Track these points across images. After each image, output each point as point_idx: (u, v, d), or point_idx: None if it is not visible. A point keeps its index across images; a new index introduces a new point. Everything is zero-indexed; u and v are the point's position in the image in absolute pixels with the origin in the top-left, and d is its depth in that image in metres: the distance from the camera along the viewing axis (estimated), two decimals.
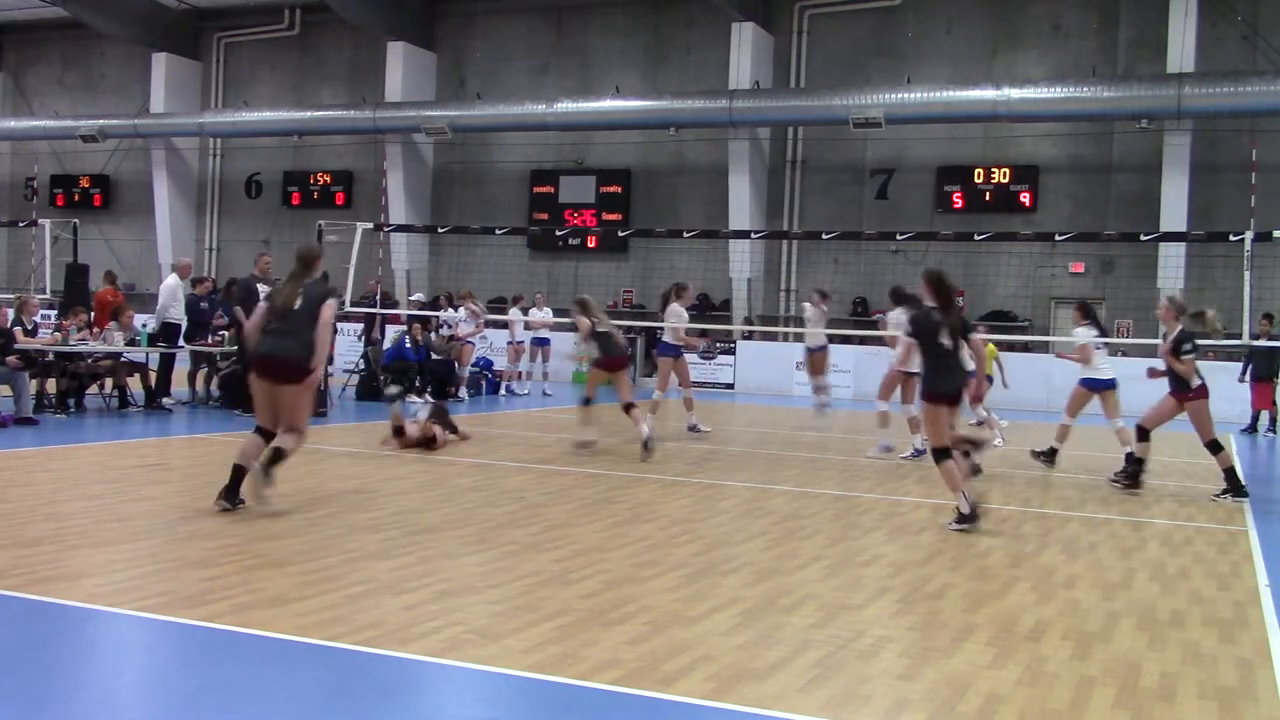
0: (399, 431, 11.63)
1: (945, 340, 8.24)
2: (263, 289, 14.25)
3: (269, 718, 4.02)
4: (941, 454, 8.20)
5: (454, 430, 12.29)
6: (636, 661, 4.71)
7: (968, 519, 8.06)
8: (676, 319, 13.77)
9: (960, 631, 5.43)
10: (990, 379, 14.92)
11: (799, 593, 6.06)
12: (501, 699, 4.39)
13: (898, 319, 12.37)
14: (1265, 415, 17.65)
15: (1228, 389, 19.13)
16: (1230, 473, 10.21)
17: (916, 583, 6.42)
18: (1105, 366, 11.78)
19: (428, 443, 11.62)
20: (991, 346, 14.91)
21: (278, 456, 7.72)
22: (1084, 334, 11.86)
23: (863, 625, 5.46)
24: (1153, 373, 10.69)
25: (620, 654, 4.81)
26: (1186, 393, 10.04)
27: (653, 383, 24.13)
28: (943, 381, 8.25)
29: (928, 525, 8.34)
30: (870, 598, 6.03)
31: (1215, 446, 10.03)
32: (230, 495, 7.67)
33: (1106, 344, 12.05)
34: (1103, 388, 11.68)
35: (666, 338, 13.96)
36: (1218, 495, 10.16)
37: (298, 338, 7.75)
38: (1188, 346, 9.97)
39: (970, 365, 8.92)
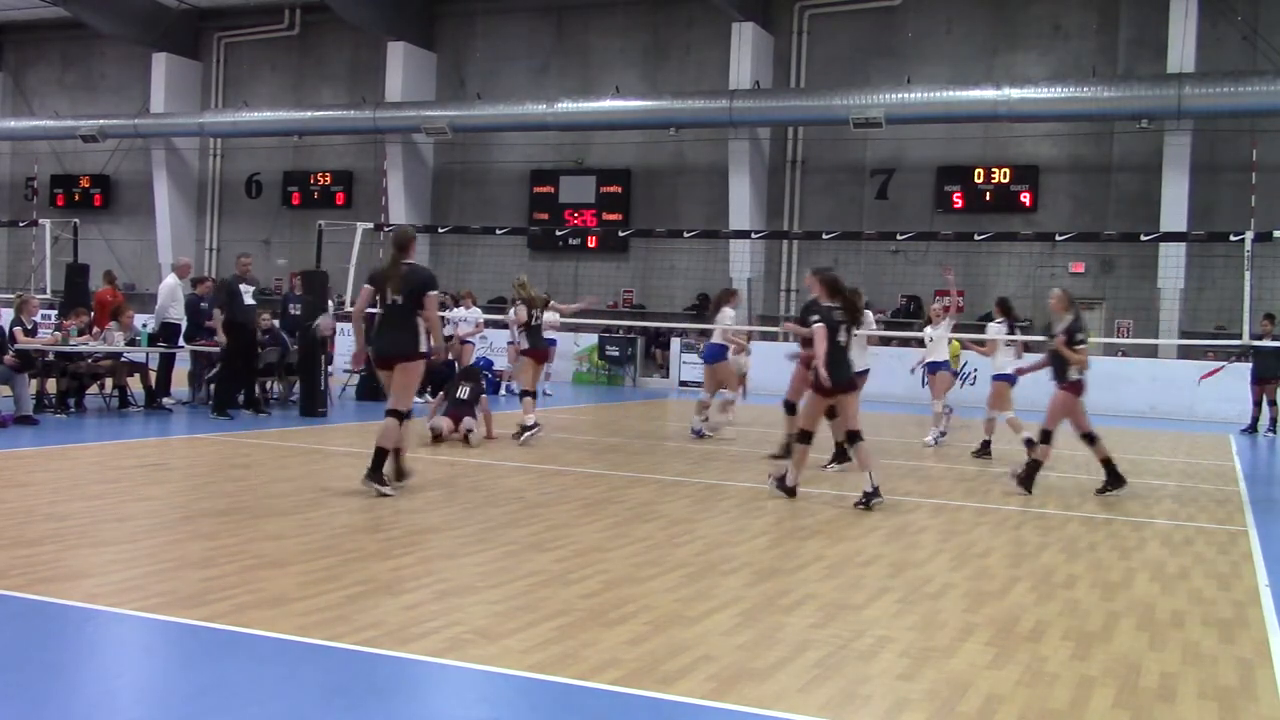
0: (437, 437, 12.22)
1: (842, 336, 9.16)
2: (244, 289, 14.18)
3: (269, 718, 4.02)
4: (805, 437, 9.23)
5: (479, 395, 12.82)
6: (636, 661, 4.71)
7: (874, 494, 8.89)
8: (729, 322, 13.99)
9: (960, 631, 5.43)
10: (956, 374, 15.13)
11: (799, 593, 6.06)
12: (501, 699, 4.39)
13: (996, 332, 12.96)
14: (1266, 415, 17.62)
15: (1229, 388, 19.20)
16: (1035, 466, 10.15)
17: (916, 583, 6.42)
18: (1007, 362, 12.55)
19: (464, 437, 12.25)
20: (956, 343, 15.15)
21: (382, 458, 8.57)
22: (995, 329, 12.72)
23: (863, 625, 5.45)
24: (1020, 372, 11.28)
25: (620, 654, 4.81)
26: (1064, 381, 10.08)
27: (653, 383, 24.21)
28: (840, 372, 9.09)
29: (928, 525, 8.35)
30: (870, 598, 6.03)
31: (1046, 436, 10.10)
32: (388, 474, 8.59)
33: (1013, 341, 12.85)
34: (1016, 381, 12.47)
35: (716, 339, 14.09)
36: (1015, 488, 10.08)
37: (404, 330, 8.62)
38: (1081, 336, 10.08)
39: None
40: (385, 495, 8.40)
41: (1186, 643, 5.43)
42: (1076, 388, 9.95)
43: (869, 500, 8.87)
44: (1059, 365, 10.04)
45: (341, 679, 4.45)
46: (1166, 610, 6.06)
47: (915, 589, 6.27)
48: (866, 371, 12.62)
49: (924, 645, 5.17)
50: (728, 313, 14.02)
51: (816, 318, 9.14)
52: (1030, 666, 4.92)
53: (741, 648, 4.98)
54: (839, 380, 9.05)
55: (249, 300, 14.21)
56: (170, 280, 15.92)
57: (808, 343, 9.96)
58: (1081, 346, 9.96)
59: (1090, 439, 10.11)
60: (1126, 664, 5.04)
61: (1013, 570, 6.89)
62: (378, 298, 8.79)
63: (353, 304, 17.49)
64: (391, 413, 8.60)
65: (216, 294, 14.59)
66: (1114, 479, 10.15)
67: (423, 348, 8.66)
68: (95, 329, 14.48)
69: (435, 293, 8.70)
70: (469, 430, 12.21)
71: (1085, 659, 5.08)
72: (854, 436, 9.12)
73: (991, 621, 5.64)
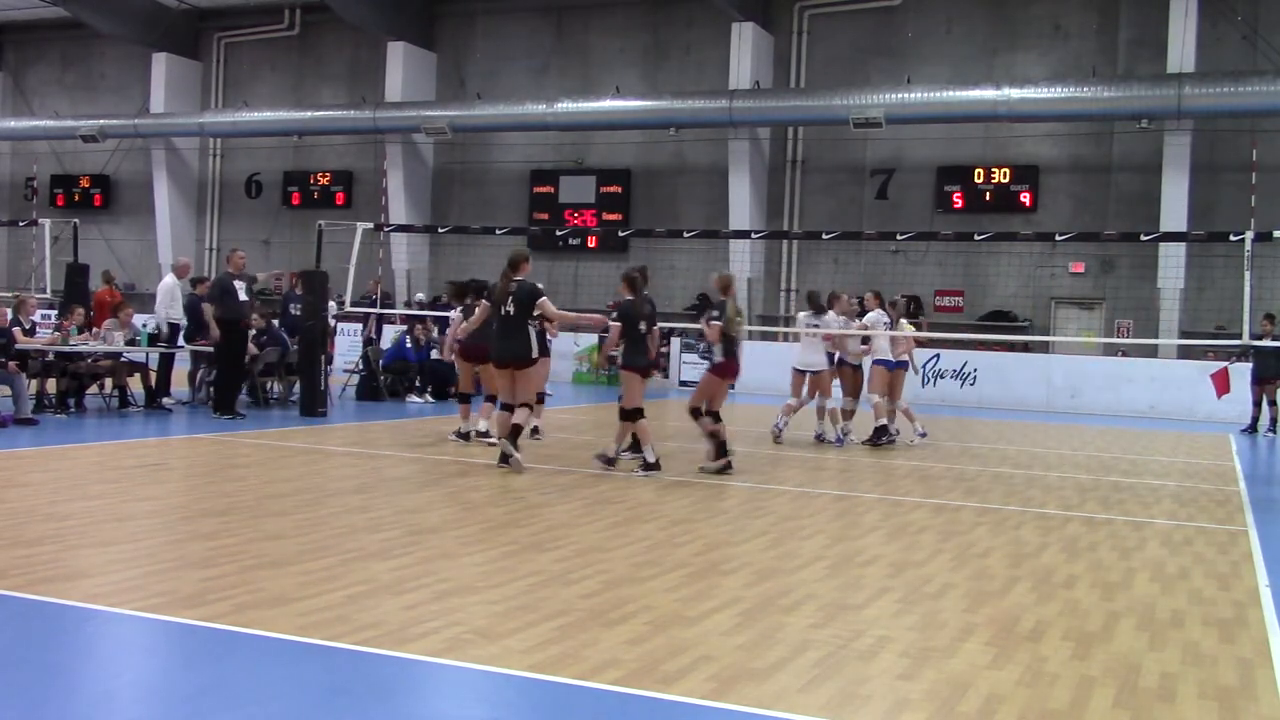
0: (465, 435, 12.62)
1: (642, 327, 10.55)
2: (238, 284, 14.06)
3: (269, 718, 4.02)
4: (636, 414, 10.32)
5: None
6: (636, 661, 4.71)
7: (652, 467, 10.28)
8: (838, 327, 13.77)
9: (960, 631, 5.43)
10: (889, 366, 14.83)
11: (799, 593, 6.06)
12: (501, 699, 4.39)
13: (875, 320, 13.70)
14: (1266, 415, 17.59)
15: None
16: (718, 442, 10.61)
17: (916, 583, 6.43)
18: (886, 348, 13.64)
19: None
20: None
21: (516, 432, 10.12)
22: (876, 318, 13.61)
23: (863, 625, 5.46)
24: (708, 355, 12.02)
25: (620, 654, 4.81)
26: (710, 361, 10.93)
27: (651, 383, 24.15)
28: (640, 358, 10.52)
29: (928, 525, 8.35)
30: (870, 598, 6.03)
31: (695, 414, 10.71)
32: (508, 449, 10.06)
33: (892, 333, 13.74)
34: (893, 368, 13.71)
35: (827, 349, 13.78)
36: (638, 470, 10.40)
37: (517, 338, 10.21)
38: (715, 313, 10.78)
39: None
40: (518, 465, 9.93)
41: (1186, 643, 5.43)
42: (722, 370, 10.74)
43: (649, 470, 10.20)
44: (709, 346, 11.05)
45: (342, 679, 4.45)
46: (1166, 610, 6.06)
47: (915, 589, 6.27)
48: (821, 372, 13.20)
49: (924, 645, 5.17)
50: (831, 318, 13.82)
51: (616, 314, 10.56)
52: (1030, 666, 4.92)
53: (741, 648, 4.98)
54: (640, 363, 10.47)
55: (243, 296, 14.06)
56: (169, 280, 15.90)
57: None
58: (715, 323, 10.66)
59: (698, 414, 10.67)
60: (1126, 664, 5.04)
61: (1013, 570, 6.89)
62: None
63: (352, 305, 17.67)
64: (522, 405, 10.19)
65: (211, 290, 14.48)
66: (722, 452, 10.63)
67: (534, 353, 10.27)
68: (94, 329, 14.48)
69: (545, 299, 10.27)
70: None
71: (1085, 659, 5.08)
72: (636, 414, 10.34)
73: (991, 621, 5.64)
